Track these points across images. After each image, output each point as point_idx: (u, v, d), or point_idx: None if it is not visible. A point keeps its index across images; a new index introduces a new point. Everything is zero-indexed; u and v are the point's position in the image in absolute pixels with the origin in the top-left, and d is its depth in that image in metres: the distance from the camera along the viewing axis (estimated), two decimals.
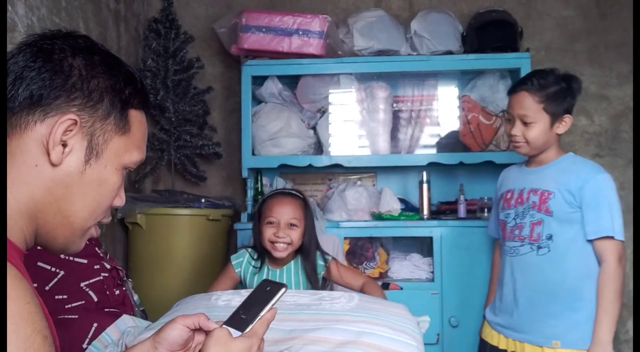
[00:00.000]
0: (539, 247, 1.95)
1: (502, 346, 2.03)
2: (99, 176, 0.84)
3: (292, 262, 2.04)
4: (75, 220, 0.85)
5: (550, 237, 1.93)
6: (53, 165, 0.80)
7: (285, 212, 1.96)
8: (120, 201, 0.90)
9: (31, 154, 0.80)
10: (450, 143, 3.08)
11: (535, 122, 1.93)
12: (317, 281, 2.00)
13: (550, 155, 2.00)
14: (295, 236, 1.96)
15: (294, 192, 2.08)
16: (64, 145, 0.81)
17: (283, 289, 0.95)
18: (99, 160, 0.84)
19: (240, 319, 0.92)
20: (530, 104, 1.93)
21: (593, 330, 1.85)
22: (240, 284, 2.09)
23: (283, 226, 1.95)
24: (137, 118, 0.89)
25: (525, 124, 1.94)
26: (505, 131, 2.05)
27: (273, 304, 0.93)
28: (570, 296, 1.92)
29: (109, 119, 0.84)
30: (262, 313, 0.92)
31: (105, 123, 0.84)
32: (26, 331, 0.68)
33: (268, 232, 1.96)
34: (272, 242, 1.95)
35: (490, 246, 2.40)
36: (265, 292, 0.95)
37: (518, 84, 2.01)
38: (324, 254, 2.07)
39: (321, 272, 2.04)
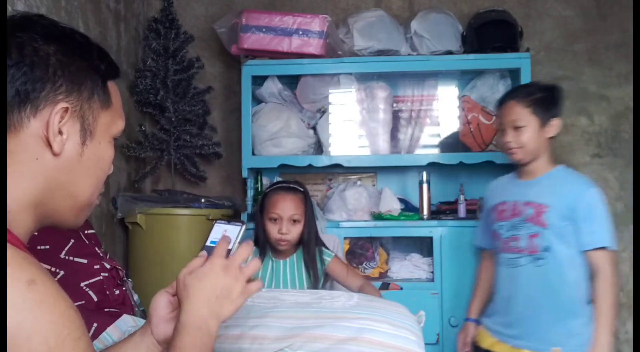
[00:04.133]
0: (537, 259, 2.03)
1: (496, 350, 2.09)
2: (96, 153, 0.87)
3: (295, 254, 2.12)
4: (83, 199, 0.88)
5: (547, 249, 2.02)
6: (55, 155, 0.82)
7: (287, 209, 2.05)
8: (111, 169, 0.94)
9: (30, 149, 0.81)
10: (450, 143, 3.08)
11: (525, 125, 2.05)
12: (316, 272, 2.08)
13: (541, 166, 2.11)
14: (296, 231, 2.05)
15: (294, 186, 2.14)
16: (60, 133, 0.82)
17: (243, 227, 0.98)
18: (94, 139, 0.87)
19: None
20: (519, 110, 2.07)
21: (594, 334, 1.92)
22: None
23: (286, 221, 2.04)
24: (114, 89, 0.91)
25: (516, 129, 2.07)
26: (500, 143, 2.21)
27: (236, 241, 0.96)
28: (567, 305, 2.00)
29: (94, 97, 0.86)
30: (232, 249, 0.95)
31: (92, 102, 0.86)
32: (60, 307, 0.72)
33: (273, 230, 2.05)
34: (277, 239, 2.05)
35: None
36: (225, 234, 0.98)
37: (505, 95, 2.18)
38: (326, 249, 2.14)
39: (322, 267, 2.11)
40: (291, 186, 2.13)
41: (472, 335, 2.26)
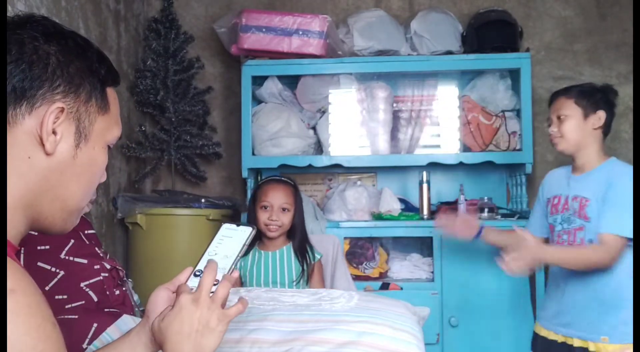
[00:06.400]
0: None
1: (551, 337, 2.15)
2: (89, 157, 0.86)
3: (285, 247, 2.20)
4: (72, 203, 0.86)
5: (592, 242, 2.04)
6: (47, 154, 0.81)
7: (278, 197, 2.16)
8: (104, 177, 0.92)
9: (22, 147, 0.80)
10: (450, 143, 3.08)
11: (568, 115, 2.09)
12: (305, 261, 2.18)
13: (590, 160, 2.11)
14: (286, 219, 2.16)
15: (285, 179, 2.27)
16: (54, 133, 0.81)
17: (252, 231, 0.98)
18: (88, 143, 0.85)
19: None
20: (564, 100, 2.12)
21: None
22: None
23: (276, 209, 2.15)
24: (112, 95, 0.90)
25: (560, 119, 2.11)
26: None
27: (245, 244, 0.97)
28: (615, 296, 2.03)
29: (91, 101, 0.85)
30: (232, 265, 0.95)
31: (89, 105, 0.85)
32: (36, 320, 0.70)
33: (263, 217, 2.15)
34: (267, 225, 2.15)
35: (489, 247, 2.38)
36: (231, 239, 0.98)
37: (557, 91, 2.22)
38: (314, 250, 2.22)
39: (312, 261, 2.21)
40: (282, 178, 2.27)
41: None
